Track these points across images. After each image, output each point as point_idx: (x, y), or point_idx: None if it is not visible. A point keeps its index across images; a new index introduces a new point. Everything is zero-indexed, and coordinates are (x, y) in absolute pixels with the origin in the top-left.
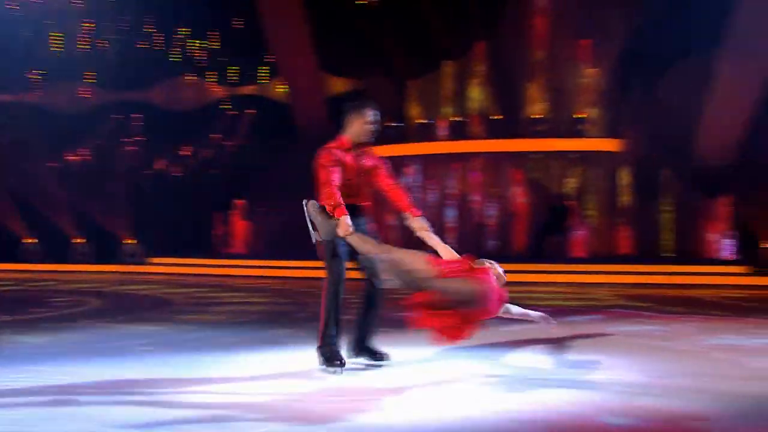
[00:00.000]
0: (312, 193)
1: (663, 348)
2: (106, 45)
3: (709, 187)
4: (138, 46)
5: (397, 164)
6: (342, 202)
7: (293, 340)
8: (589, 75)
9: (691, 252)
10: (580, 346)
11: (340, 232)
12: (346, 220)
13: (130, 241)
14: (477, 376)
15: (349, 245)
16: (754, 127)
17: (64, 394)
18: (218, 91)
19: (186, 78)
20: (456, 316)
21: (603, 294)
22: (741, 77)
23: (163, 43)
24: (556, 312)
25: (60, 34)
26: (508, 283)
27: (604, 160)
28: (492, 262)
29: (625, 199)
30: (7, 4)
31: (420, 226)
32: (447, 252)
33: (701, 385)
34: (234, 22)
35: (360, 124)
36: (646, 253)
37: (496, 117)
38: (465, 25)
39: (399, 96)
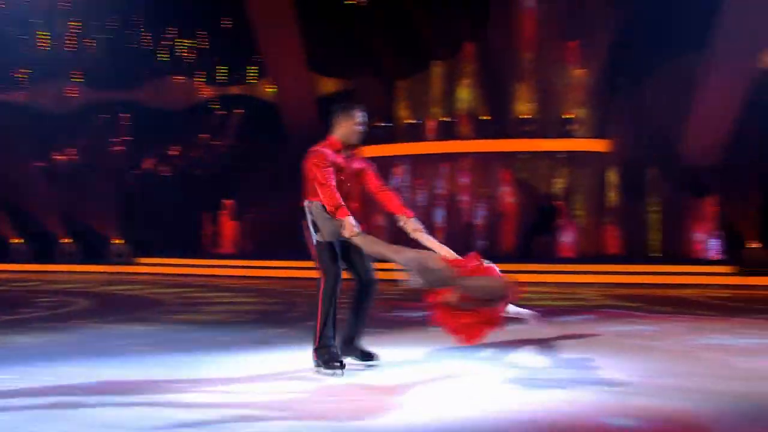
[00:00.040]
0: (300, 193)
1: (654, 348)
2: (94, 44)
3: (695, 187)
4: (126, 45)
5: (386, 164)
6: (343, 203)
7: (285, 339)
8: (577, 76)
9: (677, 252)
10: (573, 346)
11: (346, 233)
12: (351, 220)
13: (117, 241)
14: (477, 376)
15: (347, 245)
16: (740, 128)
17: (58, 395)
18: (207, 91)
19: (174, 78)
20: (476, 315)
21: (591, 294)
22: (727, 78)
23: (151, 42)
24: (546, 312)
25: (47, 33)
26: None
27: (591, 160)
28: (489, 261)
29: (613, 199)
30: None
31: (414, 227)
32: (447, 252)
33: (693, 385)
34: (222, 22)
35: (348, 125)
36: (634, 253)
37: (484, 117)
38: (454, 26)
39: (388, 96)
